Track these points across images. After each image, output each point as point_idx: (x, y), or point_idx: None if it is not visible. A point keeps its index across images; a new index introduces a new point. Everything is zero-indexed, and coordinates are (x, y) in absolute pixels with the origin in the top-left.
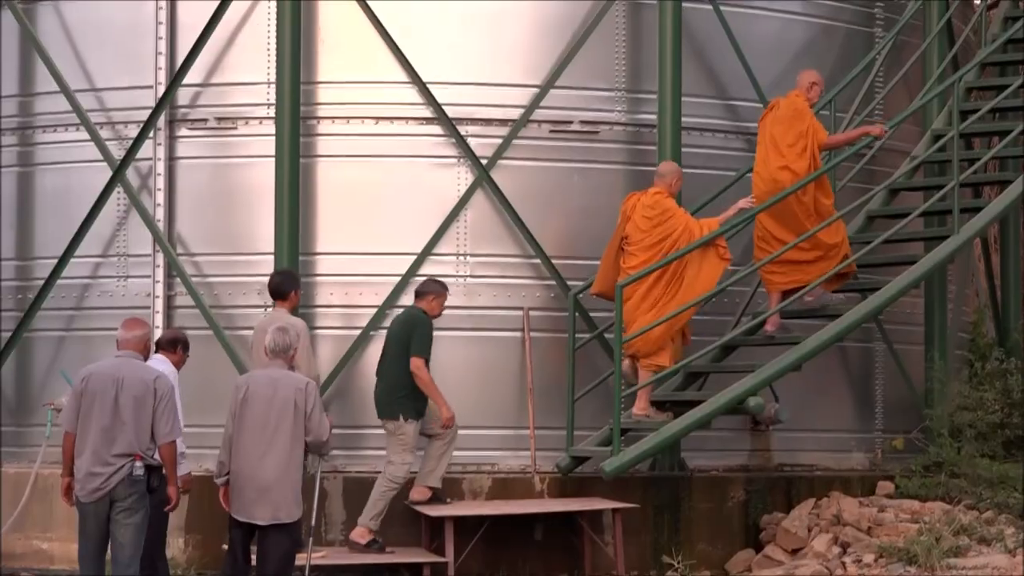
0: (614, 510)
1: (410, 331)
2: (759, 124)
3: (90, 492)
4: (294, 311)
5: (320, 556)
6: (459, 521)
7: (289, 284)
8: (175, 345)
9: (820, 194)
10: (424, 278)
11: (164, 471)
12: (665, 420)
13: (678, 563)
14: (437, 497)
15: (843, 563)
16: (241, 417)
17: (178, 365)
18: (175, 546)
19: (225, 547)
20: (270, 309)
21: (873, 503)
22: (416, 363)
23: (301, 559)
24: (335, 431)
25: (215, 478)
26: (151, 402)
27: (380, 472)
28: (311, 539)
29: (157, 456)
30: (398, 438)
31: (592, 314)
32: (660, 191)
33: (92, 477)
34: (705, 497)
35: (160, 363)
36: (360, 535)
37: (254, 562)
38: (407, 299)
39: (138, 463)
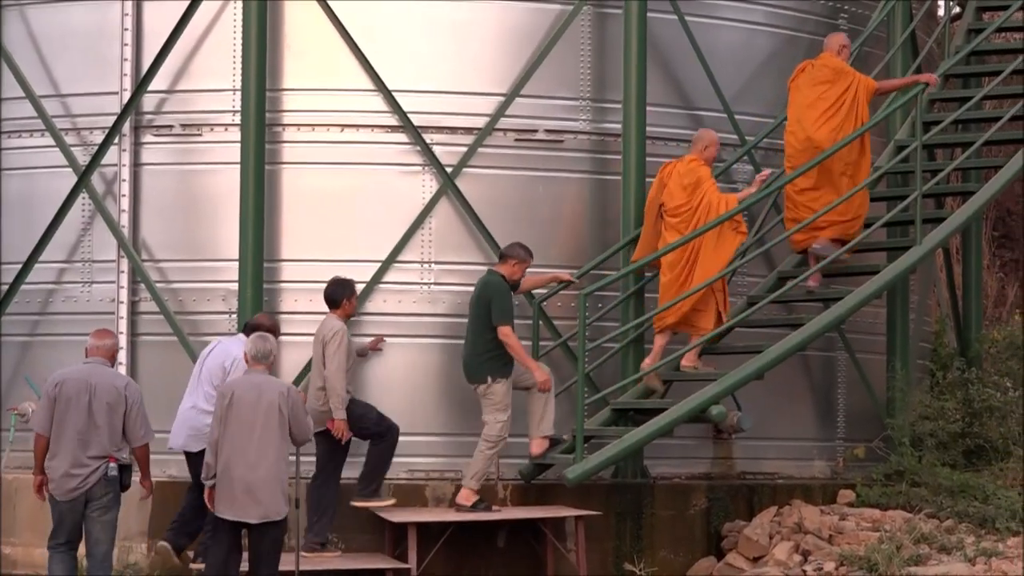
0: (576, 517)
1: (488, 300)
2: (790, 86)
3: (67, 492)
4: (347, 319)
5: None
6: (422, 528)
7: (340, 292)
8: (259, 331)
9: (862, 153)
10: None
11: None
12: (713, 371)
13: (640, 570)
14: (555, 442)
15: (804, 571)
16: (227, 421)
17: None
18: (137, 551)
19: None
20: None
21: (834, 511)
22: (503, 331)
23: (290, 563)
24: None
25: (203, 479)
26: (123, 408)
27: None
28: (300, 541)
29: (124, 455)
30: (489, 399)
31: (556, 322)
32: (694, 158)
33: (69, 478)
34: (667, 505)
35: (237, 344)
36: (465, 498)
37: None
38: (372, 305)
39: (112, 464)
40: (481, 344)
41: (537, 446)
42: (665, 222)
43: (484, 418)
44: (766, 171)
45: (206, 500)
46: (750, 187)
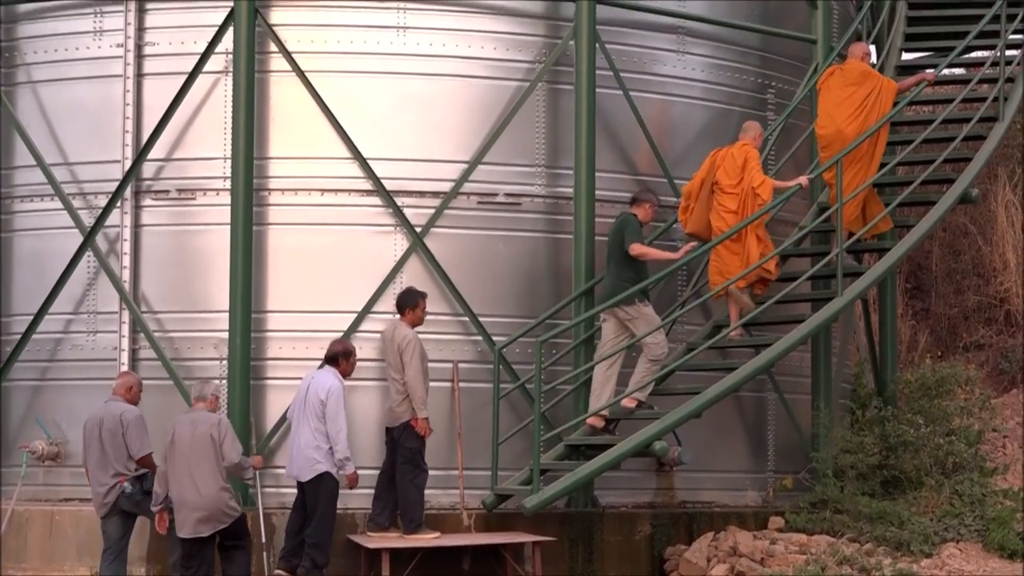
0: (534, 542)
1: (622, 231)
2: (821, 87)
3: (97, 507)
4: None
5: None
6: (394, 552)
7: (405, 300)
8: (337, 359)
9: (881, 140)
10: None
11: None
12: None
13: None
14: (643, 407)
15: None
16: (171, 454)
17: (346, 373)
18: (137, 574)
19: None
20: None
21: (765, 536)
22: (635, 248)
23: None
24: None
25: (152, 506)
26: (120, 431)
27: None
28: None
29: (132, 469)
30: (643, 319)
31: (515, 366)
32: (745, 143)
33: (96, 495)
34: (615, 531)
35: (329, 374)
36: (629, 402)
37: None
38: None
39: (125, 483)
40: (622, 273)
41: (628, 402)
42: (719, 197)
43: (644, 340)
44: (804, 177)
45: (156, 525)
46: (789, 182)
